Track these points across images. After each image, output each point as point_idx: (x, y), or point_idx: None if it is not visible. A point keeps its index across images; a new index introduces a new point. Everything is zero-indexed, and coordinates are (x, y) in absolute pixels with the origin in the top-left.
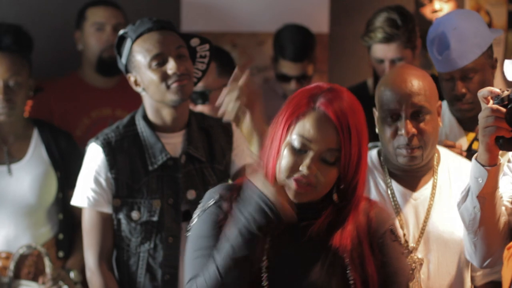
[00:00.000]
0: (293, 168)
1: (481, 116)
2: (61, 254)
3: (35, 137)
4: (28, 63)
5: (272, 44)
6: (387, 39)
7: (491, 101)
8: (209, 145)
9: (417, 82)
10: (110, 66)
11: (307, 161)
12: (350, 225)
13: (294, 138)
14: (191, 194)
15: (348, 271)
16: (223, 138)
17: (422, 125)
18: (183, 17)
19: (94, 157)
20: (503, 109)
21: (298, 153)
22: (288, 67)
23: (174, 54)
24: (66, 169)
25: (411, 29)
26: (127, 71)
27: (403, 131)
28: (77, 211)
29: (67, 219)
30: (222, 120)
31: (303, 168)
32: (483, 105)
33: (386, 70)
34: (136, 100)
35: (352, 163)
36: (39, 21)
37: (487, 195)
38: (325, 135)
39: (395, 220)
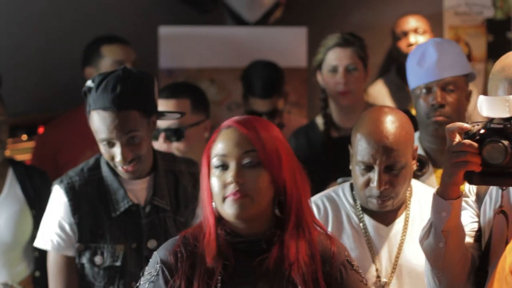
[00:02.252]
0: (223, 188)
1: (451, 150)
2: None
3: (10, 175)
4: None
5: (241, 81)
6: (343, 44)
7: (458, 137)
8: (175, 192)
9: (393, 134)
10: None
11: (231, 173)
12: (301, 250)
13: (213, 162)
14: (151, 244)
15: None
16: (190, 188)
17: (395, 178)
18: (160, 53)
19: (57, 201)
20: (476, 144)
21: (221, 172)
22: (257, 104)
23: (124, 140)
24: (41, 207)
25: (363, 46)
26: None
27: (375, 184)
28: None
29: (43, 257)
30: (192, 165)
31: (230, 180)
32: (449, 140)
33: (341, 79)
34: None
35: (272, 156)
36: (47, 55)
37: (451, 228)
38: (236, 142)
39: (348, 251)
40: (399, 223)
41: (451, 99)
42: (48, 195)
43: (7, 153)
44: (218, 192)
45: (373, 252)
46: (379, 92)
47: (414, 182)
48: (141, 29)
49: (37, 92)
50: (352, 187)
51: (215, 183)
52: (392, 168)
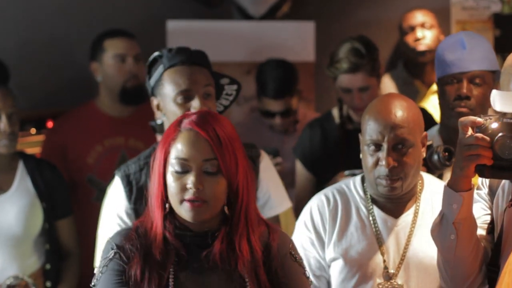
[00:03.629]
0: (182, 190)
1: (463, 144)
2: (48, 284)
3: (21, 169)
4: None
5: (255, 81)
6: (353, 69)
7: (470, 130)
8: None
9: (401, 114)
10: (134, 95)
11: (191, 178)
12: (245, 246)
13: (173, 163)
14: None
15: None
16: None
17: (403, 157)
18: (168, 47)
19: (115, 189)
20: (488, 138)
21: (181, 175)
22: (270, 104)
23: (201, 93)
24: (52, 200)
25: (375, 58)
26: (153, 93)
27: (384, 162)
28: (64, 241)
29: (53, 249)
30: (251, 149)
31: (190, 186)
32: (461, 133)
33: (354, 99)
34: (150, 130)
35: (231, 165)
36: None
37: (463, 220)
38: (198, 148)
39: (294, 243)
40: (408, 215)
41: (477, 92)
42: (58, 188)
43: (16, 146)
44: (176, 193)
45: (381, 244)
46: (386, 87)
47: (426, 176)
48: (149, 23)
49: (45, 86)
50: (363, 180)
51: (172, 183)
52: (400, 147)
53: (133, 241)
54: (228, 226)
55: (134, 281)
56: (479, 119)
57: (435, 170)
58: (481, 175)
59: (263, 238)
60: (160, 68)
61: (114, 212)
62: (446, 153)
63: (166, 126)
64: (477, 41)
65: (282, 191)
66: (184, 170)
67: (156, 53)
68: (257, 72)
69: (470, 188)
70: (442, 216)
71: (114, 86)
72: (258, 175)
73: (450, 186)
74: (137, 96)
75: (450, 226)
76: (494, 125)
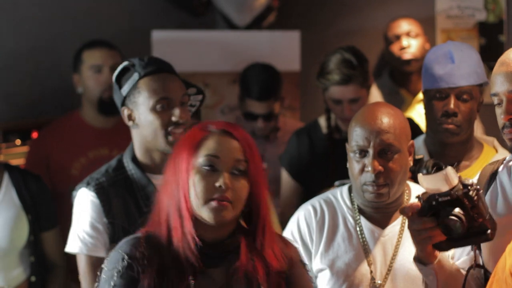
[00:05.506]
0: (209, 189)
1: (413, 229)
2: None
3: (6, 180)
4: None
5: (239, 83)
6: (345, 81)
7: (414, 215)
8: None
9: (387, 120)
10: (111, 106)
11: (222, 178)
12: (272, 258)
13: (202, 160)
14: None
15: None
16: None
17: (389, 163)
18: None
19: (87, 203)
20: (432, 222)
21: (210, 173)
22: (254, 106)
23: (179, 101)
24: (37, 212)
25: (366, 69)
26: (123, 103)
27: (369, 168)
28: (49, 253)
29: (39, 261)
30: None
31: (220, 185)
32: (408, 220)
33: (344, 110)
34: None
35: (258, 169)
36: (38, 59)
37: (444, 279)
38: (230, 148)
39: (300, 252)
40: (395, 226)
41: (464, 108)
42: (43, 199)
43: (1, 157)
44: (203, 192)
45: (368, 255)
46: (372, 96)
47: (413, 185)
48: (134, 33)
49: (30, 96)
50: (350, 190)
51: (199, 182)
52: (386, 152)
53: (144, 250)
54: (249, 236)
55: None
56: (416, 203)
57: None
58: (440, 250)
59: (284, 250)
60: (134, 76)
61: (88, 225)
62: (435, 168)
63: (137, 136)
64: (465, 54)
65: None
66: (213, 168)
67: (125, 63)
68: (241, 75)
69: (436, 257)
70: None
71: (92, 97)
72: None
73: (419, 261)
74: (115, 106)
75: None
76: (433, 204)
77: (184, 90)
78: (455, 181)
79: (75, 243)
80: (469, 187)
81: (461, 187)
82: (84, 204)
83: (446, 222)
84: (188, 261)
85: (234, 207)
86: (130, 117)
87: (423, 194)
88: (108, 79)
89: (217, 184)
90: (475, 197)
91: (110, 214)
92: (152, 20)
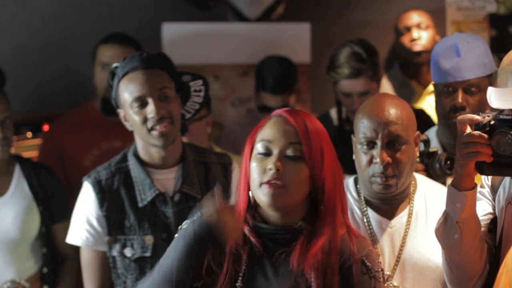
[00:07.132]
0: (262, 173)
1: (462, 141)
2: None
3: (17, 172)
4: (7, 98)
5: (254, 76)
6: (355, 74)
7: (468, 128)
8: (206, 181)
9: (395, 111)
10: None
11: (272, 159)
12: (320, 247)
13: (258, 147)
14: None
15: None
16: (221, 179)
17: (397, 154)
18: (164, 50)
19: (85, 196)
20: (485, 135)
21: (264, 157)
22: (269, 99)
23: (156, 96)
24: (49, 204)
25: (376, 62)
26: (117, 106)
27: (378, 160)
28: (61, 245)
29: (50, 253)
30: (223, 157)
31: (270, 167)
32: (460, 131)
33: (354, 104)
34: None
35: (316, 154)
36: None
37: (466, 219)
38: (283, 131)
39: (372, 252)
40: (402, 216)
41: (472, 101)
42: (55, 191)
43: (12, 150)
44: (257, 176)
45: (375, 246)
46: (383, 88)
47: (418, 176)
48: (145, 26)
49: (41, 90)
50: (356, 181)
51: (255, 167)
52: (394, 143)
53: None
54: (311, 225)
55: (210, 269)
56: (476, 117)
57: (436, 178)
58: (481, 172)
59: (343, 242)
60: (115, 80)
61: (84, 218)
62: (448, 162)
63: (135, 134)
64: (472, 46)
65: None
66: (267, 152)
67: (114, 65)
68: (257, 68)
69: (473, 187)
70: (446, 216)
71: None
72: (230, 184)
73: (453, 185)
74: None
75: (454, 225)
76: (492, 122)
77: (165, 83)
78: None
79: (74, 236)
80: None
81: None
82: (83, 197)
83: (500, 138)
84: (246, 245)
85: (288, 191)
86: (125, 118)
87: (482, 113)
88: None
89: (268, 167)
90: None
91: (105, 208)
92: (163, 13)
